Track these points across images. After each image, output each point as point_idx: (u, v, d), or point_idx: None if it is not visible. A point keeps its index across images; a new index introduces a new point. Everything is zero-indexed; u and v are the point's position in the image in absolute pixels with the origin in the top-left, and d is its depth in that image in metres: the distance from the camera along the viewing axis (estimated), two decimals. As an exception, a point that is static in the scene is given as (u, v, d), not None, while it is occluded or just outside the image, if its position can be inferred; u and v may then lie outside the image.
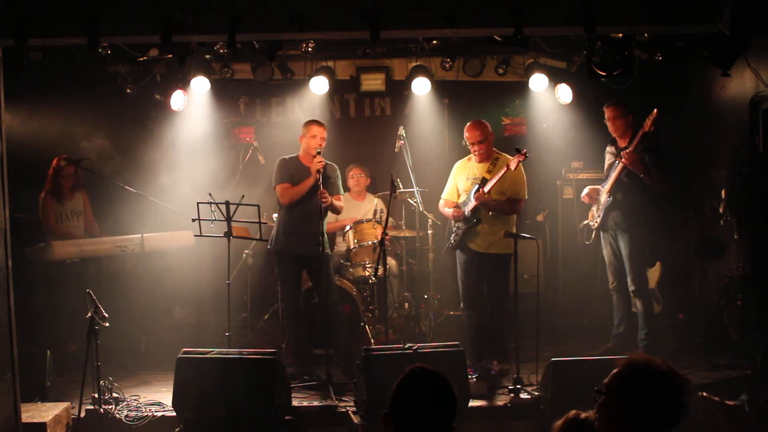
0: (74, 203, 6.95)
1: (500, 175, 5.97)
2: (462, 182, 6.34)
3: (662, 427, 2.30)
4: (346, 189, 7.44)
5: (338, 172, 6.45)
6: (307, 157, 6.20)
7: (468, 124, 6.27)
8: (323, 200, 5.95)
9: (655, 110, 5.94)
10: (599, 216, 6.41)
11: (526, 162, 6.04)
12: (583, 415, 2.57)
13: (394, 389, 2.39)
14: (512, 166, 5.91)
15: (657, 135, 6.10)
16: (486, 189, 6.00)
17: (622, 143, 6.36)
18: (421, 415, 2.35)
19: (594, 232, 6.58)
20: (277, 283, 7.37)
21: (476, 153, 6.21)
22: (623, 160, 6.10)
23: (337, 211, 6.39)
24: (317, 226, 5.96)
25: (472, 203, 6.09)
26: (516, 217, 6.30)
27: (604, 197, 6.38)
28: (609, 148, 6.54)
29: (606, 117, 6.40)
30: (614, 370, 2.39)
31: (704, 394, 5.08)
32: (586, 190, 6.57)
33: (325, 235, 6.10)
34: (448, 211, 6.41)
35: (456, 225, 6.32)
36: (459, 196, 6.37)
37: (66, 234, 6.77)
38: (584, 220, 6.79)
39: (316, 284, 6.29)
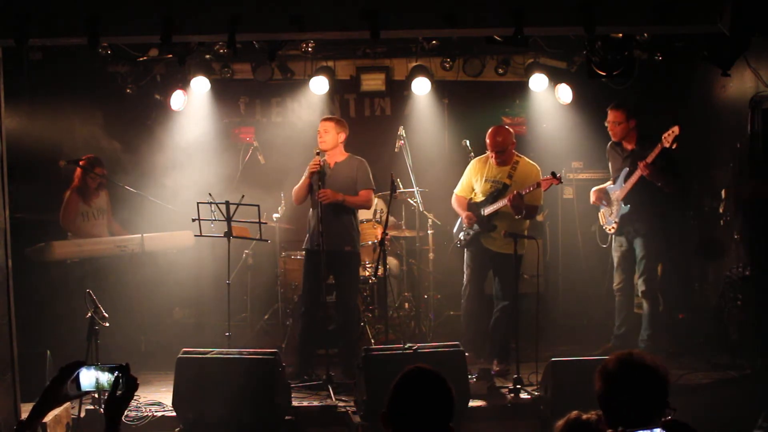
0: (99, 202, 7.03)
1: (530, 188, 5.92)
2: (479, 183, 6.29)
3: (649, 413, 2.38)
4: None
5: (365, 165, 6.34)
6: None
7: (491, 129, 6.21)
8: (321, 199, 5.96)
9: (677, 127, 5.85)
10: (615, 221, 6.38)
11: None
12: (584, 416, 2.58)
13: (391, 389, 2.40)
14: (544, 187, 5.90)
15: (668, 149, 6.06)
16: (524, 192, 5.94)
17: (627, 146, 6.35)
18: (418, 414, 2.36)
19: (610, 236, 6.56)
20: (277, 282, 7.42)
21: (495, 160, 6.18)
22: (641, 171, 6.07)
23: (365, 206, 6.47)
24: (338, 223, 6.08)
25: (496, 205, 6.07)
26: (528, 222, 6.29)
27: (618, 203, 6.35)
28: (614, 148, 6.52)
29: (608, 119, 6.37)
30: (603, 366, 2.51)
31: None
32: (592, 195, 6.54)
33: (347, 232, 6.24)
34: (460, 212, 6.39)
35: (468, 226, 6.28)
36: (473, 193, 6.34)
37: (90, 233, 6.84)
38: (592, 221, 6.78)
39: (335, 280, 6.34)
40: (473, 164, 6.43)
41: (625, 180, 6.27)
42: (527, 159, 6.26)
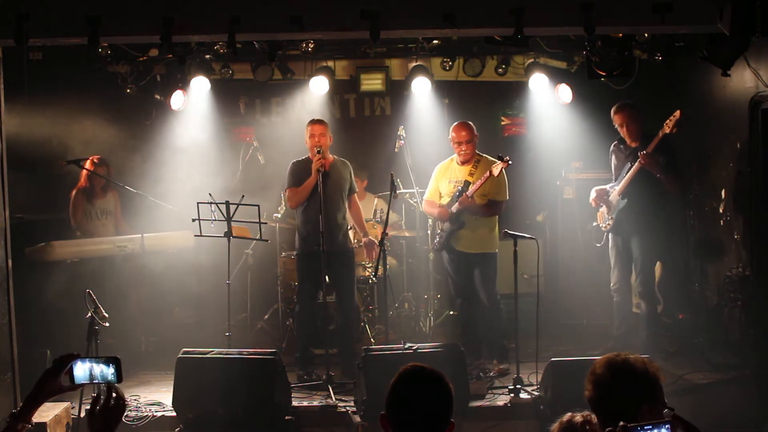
0: (105, 203, 7.08)
1: (482, 180, 5.98)
2: (444, 185, 6.34)
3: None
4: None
5: (350, 167, 6.44)
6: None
7: (455, 123, 6.29)
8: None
9: (678, 111, 5.84)
10: (611, 218, 6.36)
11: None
12: (576, 418, 2.59)
13: (389, 390, 2.39)
14: (495, 173, 5.92)
15: (670, 135, 6.06)
16: (469, 193, 6.02)
17: (632, 143, 6.33)
18: (417, 413, 2.35)
19: (605, 234, 6.55)
20: (277, 282, 7.41)
21: (461, 153, 6.21)
22: (641, 161, 6.05)
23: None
24: (337, 223, 6.12)
25: (456, 207, 6.11)
26: (498, 217, 6.30)
27: (616, 199, 6.34)
28: (618, 147, 6.50)
29: (618, 123, 6.33)
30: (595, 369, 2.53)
31: None
32: (593, 194, 6.51)
33: (347, 231, 6.33)
34: (432, 211, 6.45)
35: (440, 228, 6.35)
36: (441, 197, 6.36)
37: (94, 232, 6.87)
38: (592, 221, 6.74)
39: (332, 280, 6.33)
40: (437, 169, 6.47)
41: (625, 175, 6.27)
42: (489, 157, 6.27)
